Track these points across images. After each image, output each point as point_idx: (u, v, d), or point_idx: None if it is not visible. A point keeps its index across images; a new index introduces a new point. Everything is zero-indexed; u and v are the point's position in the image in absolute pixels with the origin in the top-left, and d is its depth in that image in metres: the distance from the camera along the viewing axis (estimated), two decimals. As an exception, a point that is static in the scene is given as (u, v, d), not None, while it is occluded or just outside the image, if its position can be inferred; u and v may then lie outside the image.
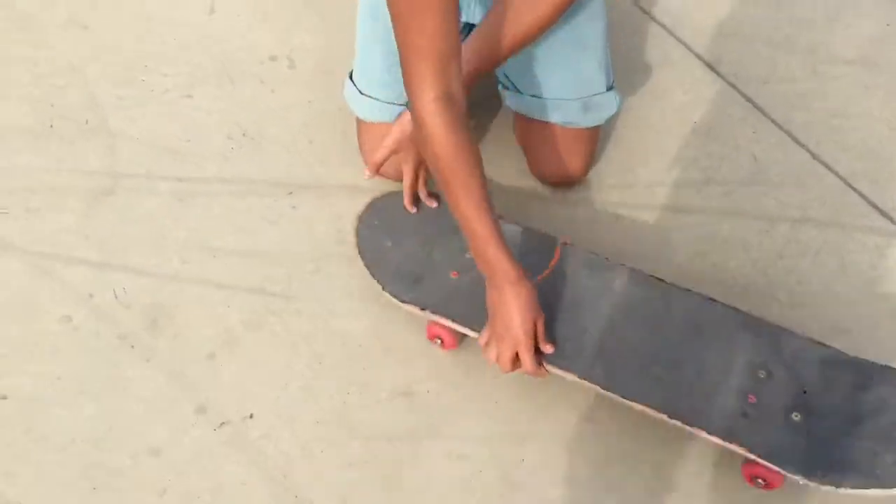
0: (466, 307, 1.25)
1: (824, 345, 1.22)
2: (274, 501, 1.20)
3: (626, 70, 1.59)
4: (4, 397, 1.28)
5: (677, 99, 1.58)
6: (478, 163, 1.10)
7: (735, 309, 1.25)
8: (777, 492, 1.17)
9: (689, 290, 1.27)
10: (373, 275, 1.31)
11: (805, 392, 1.17)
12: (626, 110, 1.53)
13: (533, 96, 1.39)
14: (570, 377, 1.20)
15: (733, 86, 1.60)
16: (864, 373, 1.19)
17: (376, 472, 1.22)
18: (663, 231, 1.43)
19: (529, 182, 1.49)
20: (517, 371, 1.20)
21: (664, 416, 1.17)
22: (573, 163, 1.44)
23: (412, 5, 1.05)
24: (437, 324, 1.27)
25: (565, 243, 1.31)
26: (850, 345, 1.26)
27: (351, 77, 1.43)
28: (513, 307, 1.15)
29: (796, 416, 1.15)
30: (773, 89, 1.59)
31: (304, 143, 1.54)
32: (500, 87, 1.45)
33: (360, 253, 1.33)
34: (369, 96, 1.40)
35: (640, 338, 1.23)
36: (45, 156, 1.52)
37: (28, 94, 1.59)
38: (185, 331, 1.34)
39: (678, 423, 1.16)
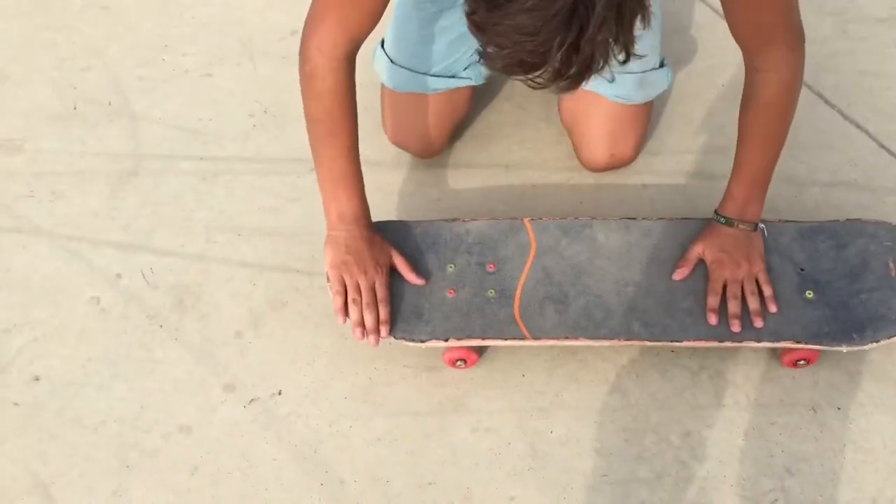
0: (480, 318, 1.22)
1: (791, 221, 1.29)
2: (304, 477, 1.21)
3: (650, 35, 1.56)
4: (37, 379, 1.30)
5: (703, 63, 1.55)
6: (356, 122, 1.20)
7: (708, 220, 1.26)
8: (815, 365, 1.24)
9: (660, 219, 1.28)
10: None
11: (803, 270, 1.24)
12: (650, 76, 1.50)
13: None
14: (615, 343, 1.20)
15: (761, 48, 1.56)
16: (838, 233, 1.27)
17: (404, 446, 1.23)
18: (691, 198, 1.41)
19: (556, 152, 1.47)
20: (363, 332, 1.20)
21: (714, 343, 1.19)
22: (624, 143, 1.39)
23: None
24: (456, 348, 1.23)
25: (531, 220, 1.29)
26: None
27: (382, 46, 1.41)
28: (329, 249, 1.22)
29: (809, 293, 1.21)
30: (802, 50, 1.55)
31: (326, 119, 1.53)
32: None
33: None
34: (401, 66, 1.38)
35: (649, 280, 1.23)
36: (69, 139, 1.53)
37: (51, 78, 1.60)
38: (212, 310, 1.35)
39: (728, 345, 1.19)
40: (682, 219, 1.29)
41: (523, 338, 1.20)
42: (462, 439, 1.23)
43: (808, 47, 1.55)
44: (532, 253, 1.26)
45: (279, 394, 1.28)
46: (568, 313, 1.21)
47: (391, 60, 1.39)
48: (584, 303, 1.22)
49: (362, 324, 1.20)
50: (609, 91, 1.34)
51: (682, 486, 1.18)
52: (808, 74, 1.51)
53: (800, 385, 1.24)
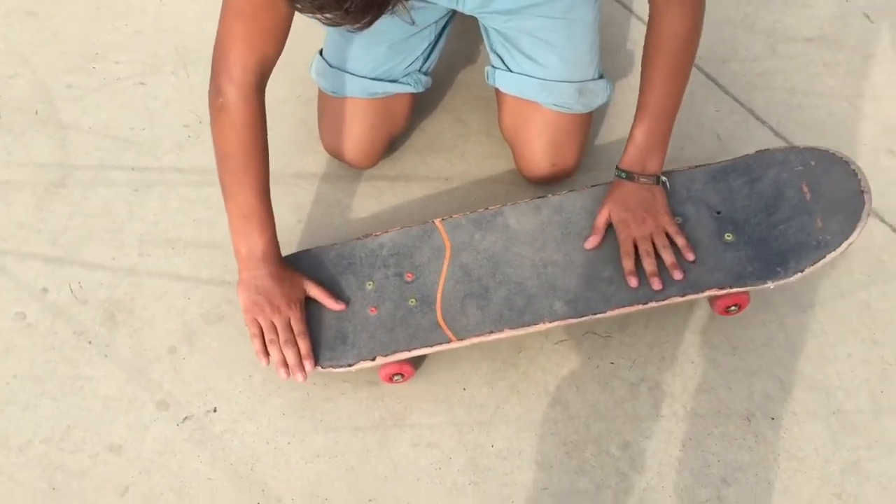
0: (405, 330, 1.20)
1: (700, 165, 1.28)
2: (240, 496, 1.18)
3: (587, 51, 1.57)
4: (-43, 398, 1.24)
5: (638, 79, 1.57)
6: (268, 156, 1.19)
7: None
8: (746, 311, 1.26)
9: (571, 191, 1.29)
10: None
11: (719, 213, 1.23)
12: (588, 91, 1.52)
13: (527, 76, 1.36)
14: (544, 327, 1.19)
15: (695, 65, 1.59)
16: (748, 167, 1.26)
17: (343, 462, 1.21)
18: (628, 212, 1.42)
19: (497, 165, 1.47)
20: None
21: (639, 307, 1.18)
22: (566, 152, 1.38)
23: None
24: (388, 364, 1.22)
25: (443, 220, 1.28)
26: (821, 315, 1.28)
27: (321, 54, 1.40)
28: (241, 290, 1.20)
29: (728, 236, 1.21)
30: (734, 69, 1.59)
31: (263, 130, 1.50)
32: (487, 71, 1.41)
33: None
34: (339, 69, 1.37)
35: (567, 257, 1.23)
36: (-7, 148, 1.47)
37: (-26, 85, 1.54)
38: (144, 325, 1.31)
39: (654, 305, 1.18)
40: (592, 186, 1.29)
41: (448, 341, 1.19)
42: (403, 454, 1.21)
43: (740, 66, 1.60)
44: (448, 253, 1.25)
45: (214, 411, 1.24)
46: (490, 307, 1.20)
47: (329, 64, 1.38)
48: (504, 293, 1.21)
49: (285, 363, 1.18)
50: (548, 100, 1.35)
51: (622, 497, 1.19)
52: (741, 91, 1.56)
53: (735, 395, 1.26)
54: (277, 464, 1.20)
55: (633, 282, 1.19)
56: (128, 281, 1.35)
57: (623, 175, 1.23)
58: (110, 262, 1.36)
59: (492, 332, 1.18)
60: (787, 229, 1.20)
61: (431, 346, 1.19)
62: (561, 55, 1.34)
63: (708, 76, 1.58)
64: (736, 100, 1.55)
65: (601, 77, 1.39)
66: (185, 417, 1.24)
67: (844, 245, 1.17)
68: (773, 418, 1.24)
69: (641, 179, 1.23)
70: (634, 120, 1.23)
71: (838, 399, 1.26)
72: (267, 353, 1.19)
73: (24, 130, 1.49)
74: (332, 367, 1.19)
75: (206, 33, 1.62)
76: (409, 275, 1.24)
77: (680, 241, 1.21)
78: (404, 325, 1.20)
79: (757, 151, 1.27)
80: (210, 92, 1.16)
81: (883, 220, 1.41)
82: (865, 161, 1.48)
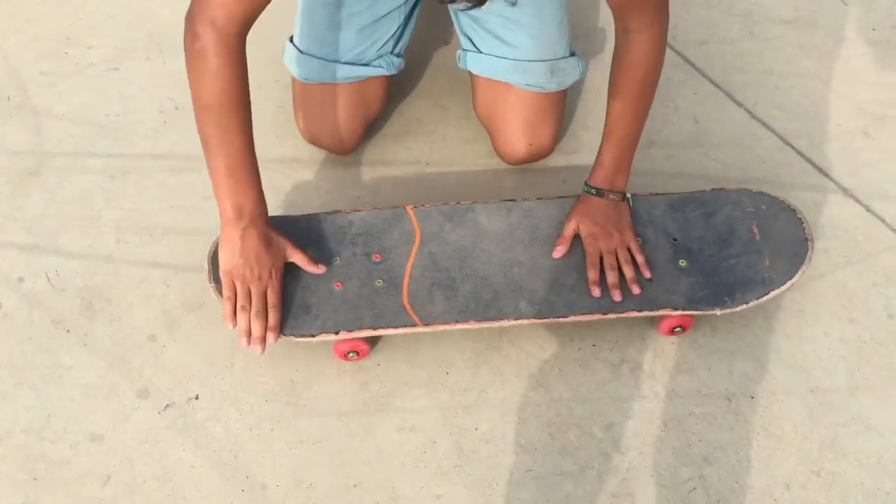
0: (370, 309, 1.21)
1: (661, 193, 1.33)
2: (224, 483, 1.18)
3: (565, 34, 1.57)
4: (-67, 389, 1.23)
5: (617, 62, 1.57)
6: (250, 106, 1.12)
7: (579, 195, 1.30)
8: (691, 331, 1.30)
9: (539, 199, 1.31)
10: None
11: (675, 240, 1.28)
12: (567, 74, 1.52)
13: (497, 57, 1.36)
14: (508, 323, 1.21)
15: (672, 48, 1.60)
16: (705, 202, 1.32)
17: (328, 448, 1.21)
18: (608, 195, 1.43)
19: (477, 149, 1.47)
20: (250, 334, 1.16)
21: (599, 316, 1.22)
22: (541, 132, 1.39)
23: None
24: (345, 340, 1.22)
25: (414, 207, 1.29)
26: (799, 297, 1.29)
27: (292, 41, 1.39)
28: (224, 249, 1.15)
29: (683, 262, 1.25)
30: (712, 51, 1.60)
31: (240, 115, 1.49)
32: (458, 54, 1.41)
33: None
34: (309, 55, 1.35)
35: (533, 260, 1.25)
36: (-35, 135, 1.45)
37: (-57, 71, 1.51)
38: (123, 313, 1.30)
39: (612, 316, 1.22)
40: (559, 197, 1.32)
41: (414, 325, 1.20)
42: (387, 439, 1.22)
43: (717, 48, 1.60)
44: (417, 240, 1.26)
45: (196, 398, 1.24)
46: (456, 298, 1.22)
47: (300, 51, 1.36)
48: (471, 286, 1.23)
49: (249, 332, 1.16)
50: (520, 80, 1.35)
51: (605, 477, 1.20)
52: (718, 73, 1.57)
53: (715, 376, 1.27)
54: (261, 450, 1.20)
55: (596, 292, 1.23)
56: (105, 269, 1.33)
57: (592, 191, 1.26)
58: (87, 250, 1.35)
59: (457, 321, 1.20)
60: (736, 264, 1.26)
61: (397, 328, 1.20)
62: (530, 34, 1.34)
63: (685, 59, 1.58)
64: (713, 82, 1.56)
65: (573, 54, 1.39)
66: (167, 405, 1.23)
67: (788, 284, 1.24)
68: (752, 397, 1.26)
69: (610, 196, 1.26)
70: (601, 143, 1.26)
71: (816, 377, 1.27)
72: (234, 317, 1.16)
73: (-4, 117, 1.47)
74: (293, 335, 1.19)
75: (180, 17, 1.59)
76: (377, 256, 1.25)
77: (640, 258, 1.25)
78: (370, 304, 1.21)
79: (712, 189, 1.34)
80: (186, 35, 1.08)
81: (858, 202, 1.43)
82: (840, 143, 1.49)
